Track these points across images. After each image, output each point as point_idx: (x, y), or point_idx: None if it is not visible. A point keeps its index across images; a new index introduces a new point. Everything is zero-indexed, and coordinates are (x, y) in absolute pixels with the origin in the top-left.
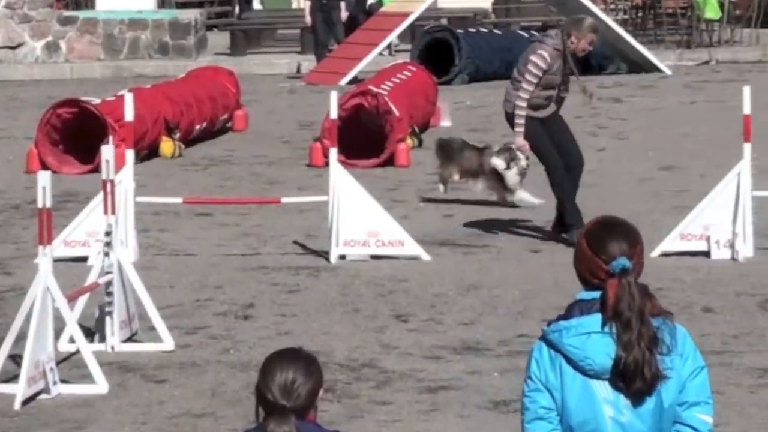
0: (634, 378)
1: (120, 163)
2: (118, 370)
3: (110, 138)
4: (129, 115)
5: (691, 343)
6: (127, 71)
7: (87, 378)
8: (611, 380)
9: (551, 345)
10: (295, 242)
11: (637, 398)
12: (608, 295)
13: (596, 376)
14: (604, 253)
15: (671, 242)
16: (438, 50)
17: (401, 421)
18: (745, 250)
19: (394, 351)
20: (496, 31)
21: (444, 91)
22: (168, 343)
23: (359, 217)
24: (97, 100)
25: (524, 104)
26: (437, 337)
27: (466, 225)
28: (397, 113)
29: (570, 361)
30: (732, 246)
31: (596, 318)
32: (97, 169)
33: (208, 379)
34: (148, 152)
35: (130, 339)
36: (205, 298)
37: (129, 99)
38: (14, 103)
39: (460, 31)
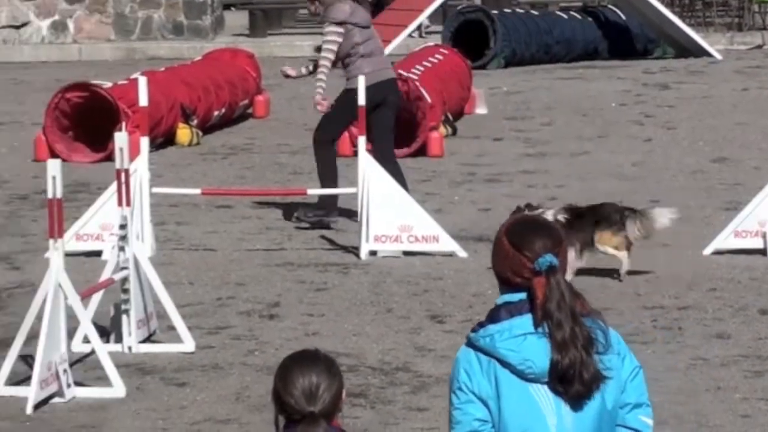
0: (572, 380)
1: (134, 152)
2: (136, 372)
3: (123, 124)
4: (143, 99)
5: (624, 343)
6: (140, 53)
7: (103, 380)
8: (549, 384)
9: (481, 351)
10: (323, 237)
11: (577, 401)
12: (536, 294)
13: (536, 379)
14: (528, 249)
15: (724, 240)
16: (471, 32)
17: (438, 429)
18: None
19: (429, 354)
20: (534, 12)
21: (478, 75)
22: (188, 344)
23: (390, 210)
24: (108, 84)
25: None
26: None
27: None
28: (429, 99)
29: (506, 365)
30: None
31: (528, 319)
32: (109, 158)
33: (232, 382)
34: (163, 140)
35: (148, 339)
36: (227, 296)
37: (143, 83)
38: (19, 87)
39: (495, 11)
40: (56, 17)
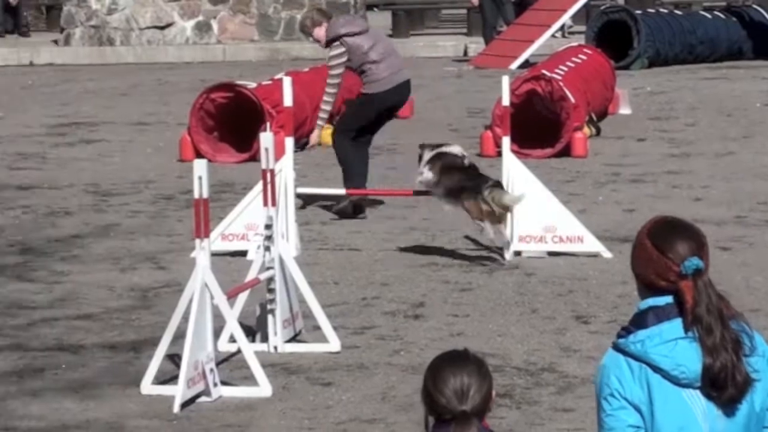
0: (725, 384)
1: (279, 152)
2: (282, 371)
3: (268, 125)
4: (288, 100)
5: (765, 343)
6: (283, 53)
7: (249, 380)
8: (702, 388)
9: (632, 356)
10: (467, 237)
11: (728, 405)
12: (686, 299)
13: (689, 384)
14: (672, 252)
15: None
16: (615, 32)
17: (584, 429)
18: None
19: (575, 354)
20: (677, 11)
21: (622, 76)
22: (334, 343)
23: (535, 211)
24: (252, 84)
25: None
26: None
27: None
28: (572, 99)
29: (658, 371)
30: None
31: (677, 323)
32: (253, 158)
33: (378, 382)
34: (308, 140)
35: (293, 339)
36: (372, 296)
37: (287, 83)
38: (164, 87)
39: (639, 11)
40: (200, 18)
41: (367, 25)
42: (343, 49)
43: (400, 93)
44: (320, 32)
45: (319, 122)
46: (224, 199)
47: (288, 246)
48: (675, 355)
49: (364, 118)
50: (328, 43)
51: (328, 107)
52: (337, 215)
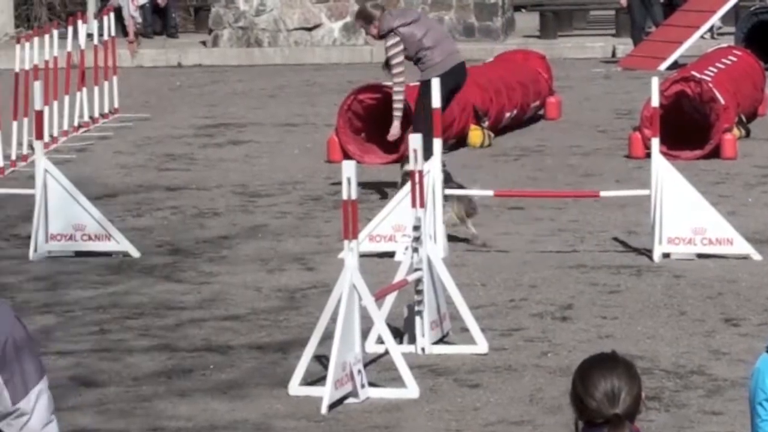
0: None
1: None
2: (430, 373)
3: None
4: (436, 101)
5: None
6: None
7: (397, 381)
8: None
9: None
10: (615, 239)
11: None
12: None
13: None
14: None
15: None
16: (765, 33)
17: None
18: None
19: (724, 357)
20: None
21: None
22: (482, 345)
23: (684, 212)
24: None
25: None
26: None
27: None
28: (722, 101)
29: None
30: None
31: None
32: (400, 159)
33: (525, 384)
34: (455, 141)
35: (441, 340)
36: (519, 297)
37: (436, 84)
38: (312, 89)
39: None
40: (348, 19)
41: (419, 15)
42: (398, 39)
43: (457, 75)
44: (373, 29)
45: (397, 113)
46: (372, 200)
47: (436, 247)
48: None
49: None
50: (382, 36)
51: (400, 97)
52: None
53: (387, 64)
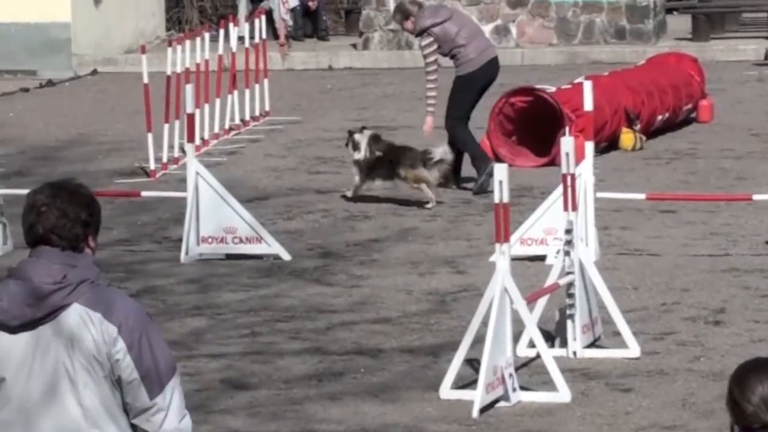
0: None
1: (578, 156)
2: (581, 377)
3: (567, 129)
4: (588, 104)
5: None
6: (582, 57)
7: (548, 385)
8: None
9: None
10: None
11: None
12: None
13: None
14: None
15: None
16: None
17: None
18: None
19: None
20: None
21: None
22: (633, 349)
23: None
24: (551, 89)
25: None
26: None
27: None
28: None
29: None
30: None
31: None
32: (552, 162)
33: (678, 388)
34: (607, 144)
35: (592, 344)
36: (671, 301)
37: (588, 87)
38: None
39: None
40: (499, 21)
41: (451, 12)
42: (431, 39)
43: (490, 70)
44: (410, 24)
45: (429, 109)
46: (523, 203)
47: (588, 251)
48: None
49: (469, 100)
50: (418, 34)
51: (433, 93)
52: (479, 193)
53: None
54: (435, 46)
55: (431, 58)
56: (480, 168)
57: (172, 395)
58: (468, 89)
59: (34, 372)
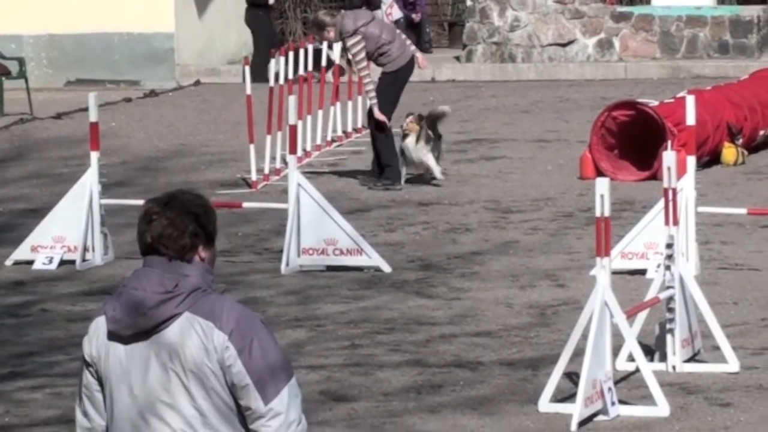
0: None
1: (680, 170)
2: (680, 391)
3: (669, 143)
4: (690, 118)
5: None
6: (684, 71)
7: (647, 399)
8: None
9: None
10: None
11: None
12: None
13: None
14: None
15: None
16: None
17: None
18: None
19: None
20: None
21: None
22: (733, 364)
23: None
24: (654, 102)
25: None
26: None
27: None
28: None
29: None
30: None
31: None
32: (653, 176)
33: None
34: (708, 159)
35: (692, 359)
36: None
37: (690, 102)
38: (565, 105)
39: None
40: (602, 35)
41: (372, 15)
42: (359, 38)
43: (411, 68)
44: (329, 33)
45: (373, 101)
46: (624, 217)
47: (688, 265)
48: None
49: (397, 96)
50: (344, 38)
51: (371, 87)
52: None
53: (348, 63)
54: (363, 44)
55: (361, 55)
56: (386, 174)
57: (289, 400)
58: (395, 85)
59: (148, 381)
